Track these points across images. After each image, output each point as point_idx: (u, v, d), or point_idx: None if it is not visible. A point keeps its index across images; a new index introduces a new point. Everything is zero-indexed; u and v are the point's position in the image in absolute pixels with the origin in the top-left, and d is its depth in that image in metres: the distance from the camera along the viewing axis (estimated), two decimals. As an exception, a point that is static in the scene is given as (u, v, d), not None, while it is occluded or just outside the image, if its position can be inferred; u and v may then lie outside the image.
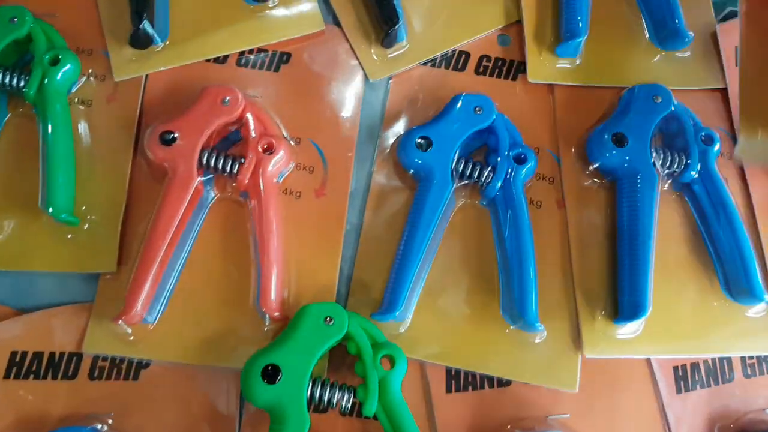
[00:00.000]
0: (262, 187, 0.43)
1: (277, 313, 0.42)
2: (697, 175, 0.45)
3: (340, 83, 0.48)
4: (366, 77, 0.48)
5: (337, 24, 0.49)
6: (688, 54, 0.50)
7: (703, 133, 0.45)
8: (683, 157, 0.45)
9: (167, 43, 0.47)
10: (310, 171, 0.46)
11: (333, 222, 0.45)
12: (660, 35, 0.49)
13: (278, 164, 0.44)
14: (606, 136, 0.45)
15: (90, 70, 0.47)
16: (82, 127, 0.46)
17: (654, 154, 0.44)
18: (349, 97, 0.48)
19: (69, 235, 0.44)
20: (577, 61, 0.48)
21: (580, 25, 0.46)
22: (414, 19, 0.49)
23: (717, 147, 0.45)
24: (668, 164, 0.45)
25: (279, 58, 0.48)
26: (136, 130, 0.46)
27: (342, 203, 0.46)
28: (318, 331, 0.40)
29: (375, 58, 0.48)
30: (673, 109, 0.45)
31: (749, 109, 0.47)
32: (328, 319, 0.40)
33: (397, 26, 0.46)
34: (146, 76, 0.47)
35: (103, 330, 0.42)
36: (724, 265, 0.45)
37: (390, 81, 0.48)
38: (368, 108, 0.48)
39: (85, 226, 0.44)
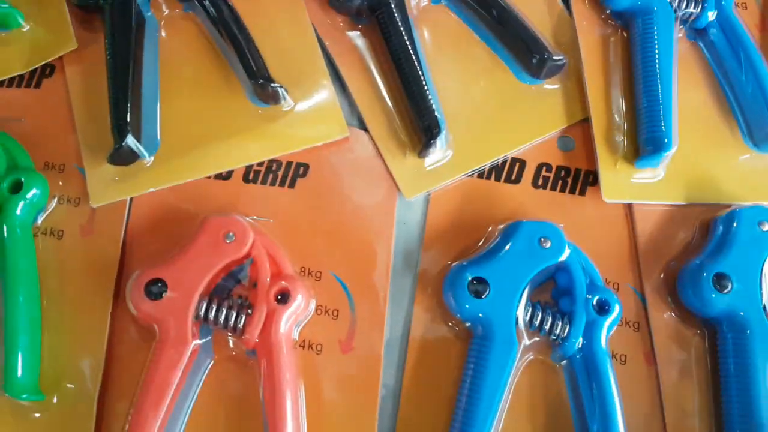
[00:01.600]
0: (274, 346, 0.34)
1: None
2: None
3: (369, 200, 0.39)
4: (400, 192, 0.40)
5: (364, 128, 0.41)
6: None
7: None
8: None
9: (157, 156, 0.38)
10: (333, 316, 0.37)
11: (364, 386, 0.36)
12: (757, 135, 0.41)
13: (295, 315, 0.35)
14: (705, 275, 0.36)
15: (61, 188, 0.38)
16: (50, 268, 0.36)
17: (765, 298, 0.36)
18: (379, 217, 0.39)
19: (36, 414, 0.34)
20: (661, 174, 0.40)
21: (666, 135, 0.38)
22: (456, 121, 0.40)
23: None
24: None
25: (295, 171, 0.39)
26: (118, 271, 0.37)
27: (375, 361, 0.36)
28: None
29: (411, 170, 0.39)
30: None
31: None
32: None
33: (438, 136, 0.38)
34: (131, 199, 0.38)
35: None
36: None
37: (429, 197, 0.40)
38: (403, 230, 0.39)
39: (54, 400, 0.35)
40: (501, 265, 0.36)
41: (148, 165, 0.38)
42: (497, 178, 0.40)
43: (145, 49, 0.40)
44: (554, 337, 0.35)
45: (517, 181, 0.40)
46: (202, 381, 0.35)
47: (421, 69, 0.39)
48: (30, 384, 0.33)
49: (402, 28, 0.39)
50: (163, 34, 0.41)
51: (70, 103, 0.40)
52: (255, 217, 0.38)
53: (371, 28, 0.41)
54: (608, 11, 0.43)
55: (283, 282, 0.35)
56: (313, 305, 0.37)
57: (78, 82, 0.40)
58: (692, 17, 0.42)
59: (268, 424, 0.34)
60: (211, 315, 0.34)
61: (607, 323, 0.35)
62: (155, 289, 0.34)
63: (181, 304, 0.34)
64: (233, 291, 0.37)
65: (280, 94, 0.38)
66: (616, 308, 0.35)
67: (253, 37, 0.39)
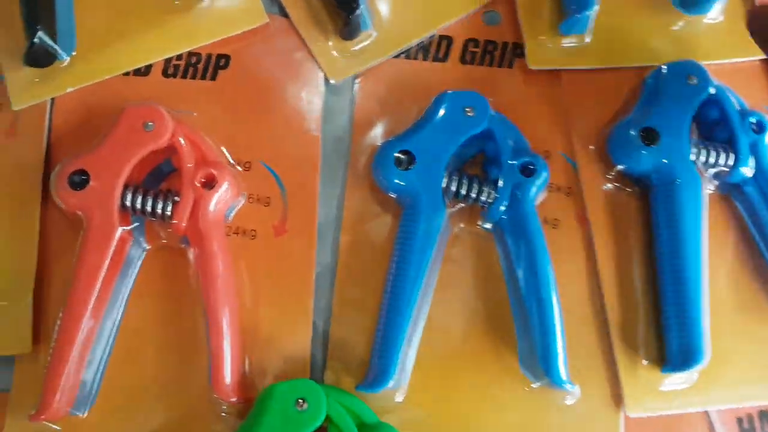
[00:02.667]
0: (204, 231, 0.35)
1: (234, 398, 0.33)
2: (750, 173, 0.36)
3: (295, 88, 0.38)
4: (326, 78, 0.39)
5: (285, 14, 0.40)
6: (719, 19, 0.41)
7: (752, 119, 0.36)
8: (729, 151, 0.36)
9: (74, 56, 0.37)
10: (265, 203, 0.37)
11: (299, 266, 0.36)
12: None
13: (223, 200, 0.35)
14: (632, 132, 0.36)
15: (-17, 99, 0.38)
16: (-24, 173, 0.37)
17: (693, 151, 0.36)
18: (307, 104, 0.38)
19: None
20: (587, 39, 0.39)
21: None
22: (380, 2, 0.40)
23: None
24: (713, 161, 0.36)
25: (215, 63, 0.39)
26: (44, 170, 0.36)
27: (309, 241, 0.36)
28: (288, 420, 0.31)
29: (335, 53, 0.39)
30: (712, 91, 0.36)
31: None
32: (300, 402, 0.31)
33: (357, 11, 0.37)
34: (52, 100, 0.37)
35: (24, 428, 0.34)
36: None
37: (356, 81, 0.39)
38: (332, 117, 0.39)
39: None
40: (426, 137, 0.35)
41: (65, 65, 0.37)
42: (425, 58, 0.39)
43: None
44: (482, 204, 0.35)
45: (445, 58, 0.39)
46: (136, 271, 0.36)
47: None
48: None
49: None
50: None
51: (-16, 12, 0.39)
52: (177, 111, 0.37)
53: None
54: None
55: (208, 168, 0.35)
56: (243, 194, 0.37)
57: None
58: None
59: (207, 313, 0.34)
60: (138, 203, 0.34)
61: (534, 186, 0.35)
62: (77, 179, 0.34)
63: (105, 192, 0.34)
64: (163, 184, 0.37)
65: (195, -19, 0.37)
66: (543, 171, 0.35)
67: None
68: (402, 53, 0.39)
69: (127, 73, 0.38)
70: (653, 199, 0.36)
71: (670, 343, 0.34)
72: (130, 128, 0.35)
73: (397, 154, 0.35)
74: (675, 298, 0.34)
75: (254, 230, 0.37)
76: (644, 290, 0.36)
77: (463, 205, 0.36)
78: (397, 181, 0.35)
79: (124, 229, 0.34)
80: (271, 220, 0.37)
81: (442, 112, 0.36)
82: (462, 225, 0.37)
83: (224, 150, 0.37)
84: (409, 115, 0.38)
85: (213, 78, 0.39)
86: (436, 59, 0.39)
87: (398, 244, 0.35)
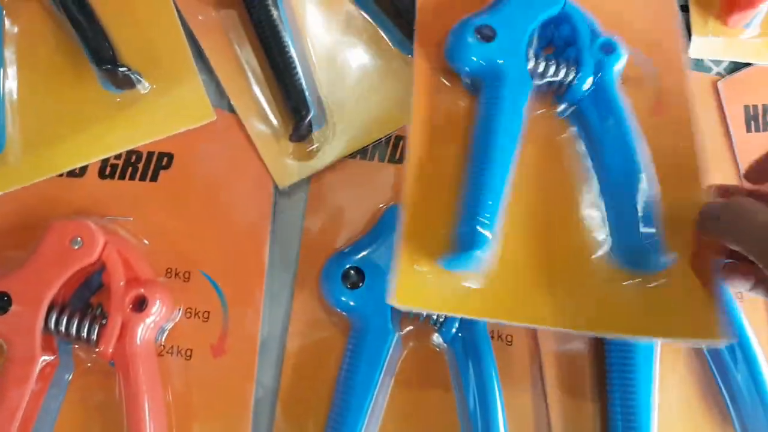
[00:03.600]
0: (130, 358, 0.32)
1: None
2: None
3: (242, 190, 0.36)
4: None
5: (233, 110, 0.37)
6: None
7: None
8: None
9: (2, 155, 0.35)
10: (204, 318, 0.35)
11: (237, 388, 0.34)
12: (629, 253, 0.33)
13: (153, 322, 0.33)
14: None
15: None
16: None
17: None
18: (254, 208, 0.36)
19: None
20: None
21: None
22: (334, 96, 0.37)
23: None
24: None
25: (157, 162, 0.36)
26: (-35, 284, 0.34)
27: (249, 362, 0.34)
28: None
29: (284, 157, 0.36)
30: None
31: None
32: None
33: (307, 119, 0.34)
34: (-25, 206, 0.35)
35: None
36: (743, 418, 0.34)
37: (309, 181, 0.37)
38: (281, 220, 0.36)
39: None
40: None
41: (-8, 166, 0.35)
42: (381, 159, 0.37)
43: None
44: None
45: (401, 160, 0.37)
46: (63, 394, 0.33)
47: (289, 46, 0.35)
48: None
49: (268, 2, 0.36)
50: (7, 22, 0.37)
51: None
52: (112, 217, 0.35)
53: (236, 2, 0.37)
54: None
55: (139, 288, 0.33)
56: (179, 310, 0.34)
57: None
58: (562, 88, 0.34)
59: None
60: (62, 327, 0.32)
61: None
62: (-2, 303, 0.32)
63: (27, 317, 0.31)
64: (92, 299, 0.35)
65: (133, 79, 0.35)
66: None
67: (98, 17, 0.35)
68: (357, 154, 0.37)
69: (60, 175, 0.36)
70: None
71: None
72: (56, 245, 0.32)
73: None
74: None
75: (190, 350, 0.34)
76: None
77: (410, 328, 0.34)
78: (344, 299, 0.33)
79: (47, 359, 0.32)
80: (209, 338, 0.34)
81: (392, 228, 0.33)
82: (412, 343, 0.35)
83: (162, 257, 0.35)
84: (364, 220, 0.36)
85: (154, 179, 0.36)
86: (392, 160, 0.37)
87: (345, 368, 0.33)
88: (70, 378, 0.33)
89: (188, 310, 0.35)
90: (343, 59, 0.38)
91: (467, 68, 0.33)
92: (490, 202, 0.30)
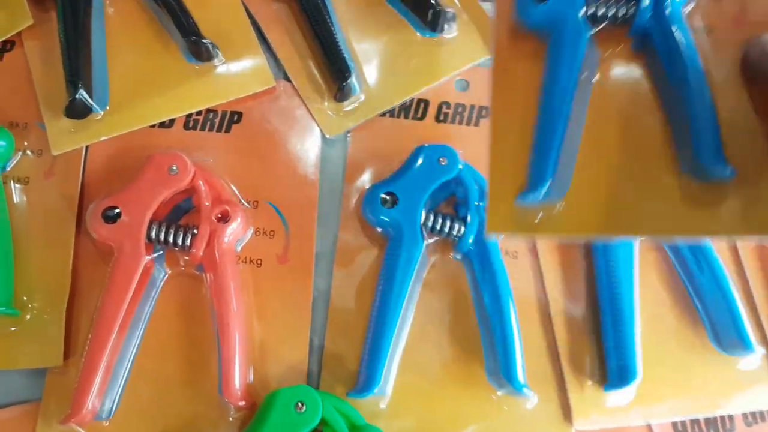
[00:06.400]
0: (218, 259, 0.40)
1: (242, 402, 0.38)
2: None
3: (296, 140, 0.46)
4: (322, 133, 0.46)
5: (288, 79, 0.47)
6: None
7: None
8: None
9: (108, 110, 0.44)
10: (270, 236, 0.43)
11: (299, 290, 0.42)
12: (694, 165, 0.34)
13: (235, 233, 0.41)
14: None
15: (26, 144, 0.44)
16: (19, 208, 0.42)
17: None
18: (306, 154, 0.45)
19: (12, 328, 0.40)
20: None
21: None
22: (368, 70, 0.47)
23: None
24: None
25: (230, 119, 0.46)
26: (78, 206, 0.42)
27: (307, 268, 0.43)
28: (289, 421, 0.36)
29: (329, 113, 0.46)
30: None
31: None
32: (299, 405, 0.37)
33: (349, 80, 0.44)
34: (87, 147, 0.44)
35: (52, 432, 0.38)
36: (710, 315, 0.43)
37: (348, 135, 0.46)
38: (328, 164, 0.46)
39: (27, 317, 0.40)
40: (407, 181, 0.42)
41: (99, 118, 0.44)
42: (405, 116, 0.47)
43: (93, 19, 0.45)
44: (453, 237, 0.42)
45: (422, 117, 0.47)
46: (157, 294, 0.41)
47: (334, 26, 0.46)
48: (7, 298, 0.39)
49: None
50: (110, 10, 0.47)
51: (30, 72, 0.45)
52: (196, 159, 0.44)
53: None
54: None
55: (223, 205, 0.41)
56: (251, 229, 0.43)
57: (35, 51, 0.45)
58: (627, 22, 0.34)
59: (219, 329, 0.39)
60: (162, 235, 0.40)
61: None
62: (110, 214, 0.40)
63: (134, 226, 0.40)
64: (182, 219, 0.43)
65: (212, 50, 0.44)
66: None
67: (185, 5, 0.45)
68: (386, 113, 0.47)
69: (153, 126, 0.45)
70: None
71: (610, 365, 0.40)
72: (156, 172, 0.41)
73: (382, 195, 0.42)
74: (612, 324, 0.41)
75: (260, 259, 0.43)
76: (588, 318, 0.43)
77: (437, 238, 0.43)
78: (382, 217, 0.42)
79: (148, 258, 0.40)
80: (275, 250, 0.43)
81: (420, 161, 0.43)
82: (437, 255, 0.43)
83: (236, 190, 0.44)
84: (392, 163, 0.45)
85: (227, 131, 0.45)
86: (415, 118, 0.47)
87: (383, 272, 0.42)
88: (164, 278, 0.41)
89: (257, 230, 0.43)
90: (373, 38, 0.48)
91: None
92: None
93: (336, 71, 0.45)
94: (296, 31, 0.48)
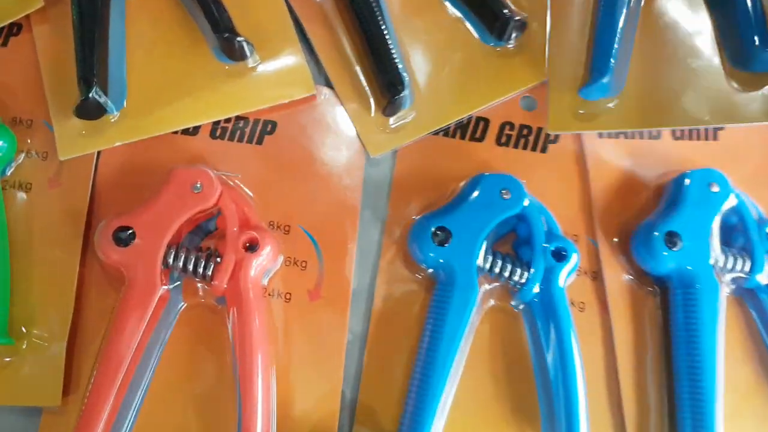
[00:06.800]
0: (243, 293, 0.35)
1: (264, 463, 0.34)
2: (765, 281, 0.37)
3: (336, 157, 0.40)
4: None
5: (331, 86, 0.41)
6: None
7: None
8: (746, 258, 0.37)
9: (124, 111, 0.38)
10: (302, 267, 0.38)
11: (332, 332, 0.37)
12: (740, 56, 0.39)
13: (263, 264, 0.36)
14: (656, 234, 0.37)
15: (29, 144, 0.38)
16: (19, 219, 0.37)
17: (713, 256, 0.37)
18: (347, 174, 0.40)
19: (6, 359, 0.35)
20: (609, 104, 0.39)
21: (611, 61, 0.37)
22: (421, 80, 0.41)
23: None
24: (730, 267, 0.37)
25: (262, 128, 0.40)
26: (86, 222, 0.37)
27: (342, 308, 0.37)
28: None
29: (375, 128, 0.40)
30: (733, 201, 0.38)
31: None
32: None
33: (402, 94, 0.38)
34: (98, 153, 0.38)
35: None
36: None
37: (396, 153, 0.41)
38: (371, 187, 0.40)
39: (24, 346, 0.35)
40: (463, 215, 0.37)
41: (114, 120, 0.38)
42: (462, 137, 0.41)
43: (111, 4, 0.40)
44: (513, 284, 0.37)
45: (481, 139, 0.41)
46: (171, 328, 0.36)
47: (387, 28, 0.40)
48: (1, 326, 0.34)
49: None
50: (130, -9, 0.42)
51: (37, 61, 0.40)
52: (222, 172, 0.38)
53: None
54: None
55: (251, 231, 0.36)
56: (281, 257, 0.38)
57: (45, 38, 0.40)
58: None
59: (238, 368, 0.34)
60: (180, 262, 0.35)
61: (565, 270, 0.36)
62: (123, 236, 0.35)
63: (150, 250, 0.35)
64: (203, 243, 0.38)
65: (246, 49, 0.39)
66: (574, 256, 0.37)
67: (219, -5, 0.40)
68: (440, 131, 0.41)
69: (175, 132, 0.39)
70: (672, 301, 0.37)
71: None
72: (178, 189, 0.36)
73: (434, 230, 0.36)
74: (690, 398, 0.35)
75: (289, 293, 0.37)
76: (659, 384, 0.37)
77: (496, 284, 0.38)
78: (432, 255, 0.36)
79: (164, 288, 0.35)
80: (307, 284, 0.38)
81: (479, 192, 0.37)
82: (492, 302, 0.38)
83: (267, 210, 0.38)
84: (444, 190, 0.40)
85: (259, 142, 0.40)
86: (473, 138, 0.41)
87: (431, 319, 0.36)
88: (180, 310, 0.36)
89: (288, 258, 0.38)
90: (429, 43, 0.42)
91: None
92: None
93: (387, 82, 0.39)
94: (342, 31, 0.42)
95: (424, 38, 0.42)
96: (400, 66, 0.39)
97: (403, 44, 0.42)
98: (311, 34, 0.42)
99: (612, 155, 0.41)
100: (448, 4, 0.43)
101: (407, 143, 0.40)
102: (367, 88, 0.41)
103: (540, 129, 0.41)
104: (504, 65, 0.42)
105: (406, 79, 0.39)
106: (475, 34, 0.42)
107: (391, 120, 0.40)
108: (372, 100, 0.41)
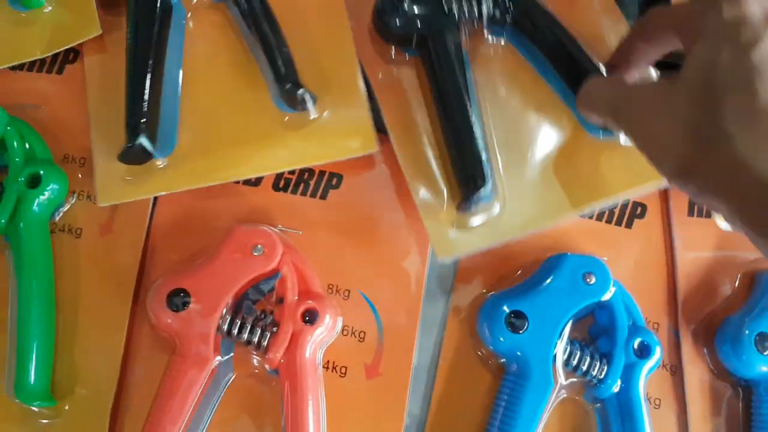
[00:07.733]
0: (298, 368, 0.33)
1: None
2: None
3: (404, 218, 0.37)
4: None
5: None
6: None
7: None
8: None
9: (173, 156, 0.35)
10: (360, 338, 0.35)
11: (388, 414, 0.34)
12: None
13: (322, 337, 0.34)
14: (746, 332, 0.33)
15: (80, 180, 0.36)
16: (67, 268, 0.35)
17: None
18: (414, 237, 0.37)
19: (43, 421, 0.33)
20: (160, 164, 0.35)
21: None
22: (505, 170, 0.35)
23: None
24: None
25: (327, 182, 0.37)
26: (138, 274, 0.35)
27: (401, 387, 0.34)
28: None
29: (446, 225, 0.35)
30: None
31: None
32: None
33: (481, 190, 0.33)
34: (155, 199, 0.36)
35: None
36: None
37: (467, 220, 0.38)
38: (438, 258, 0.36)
39: (66, 407, 0.33)
40: (541, 300, 0.34)
41: (162, 166, 0.35)
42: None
43: (169, 40, 0.37)
44: (590, 378, 0.34)
45: (561, 209, 0.38)
46: (220, 396, 0.34)
47: (471, 105, 0.35)
48: (42, 390, 0.32)
49: (454, 61, 0.35)
50: (191, 24, 0.38)
51: (92, 92, 0.38)
52: (284, 228, 0.36)
53: (417, 59, 0.37)
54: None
55: (310, 301, 0.33)
56: (340, 325, 0.35)
57: (96, 70, 0.37)
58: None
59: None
60: (235, 331, 0.33)
61: (646, 367, 0.34)
62: (178, 300, 0.32)
63: (205, 317, 0.32)
64: (257, 304, 0.35)
65: (308, 101, 0.35)
66: (657, 352, 0.34)
67: (285, 37, 0.36)
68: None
69: (237, 182, 0.37)
70: (755, 406, 0.34)
71: None
72: (237, 250, 0.33)
73: (509, 315, 0.33)
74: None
75: (345, 367, 0.35)
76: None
77: (573, 379, 0.35)
78: (505, 341, 0.33)
79: (218, 360, 0.33)
80: (364, 358, 0.35)
81: (560, 274, 0.34)
82: (564, 393, 0.35)
83: (326, 272, 0.35)
84: (515, 262, 0.37)
85: (323, 197, 0.37)
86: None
87: (501, 409, 0.33)
88: (230, 381, 0.34)
89: (345, 327, 0.35)
90: (524, 133, 0.37)
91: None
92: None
93: (465, 176, 0.34)
94: (421, 107, 0.36)
95: (514, 120, 0.37)
96: (484, 156, 0.34)
97: (490, 125, 0.36)
98: (384, 107, 0.37)
99: (701, 236, 0.38)
100: (547, 85, 0.37)
101: (481, 249, 0.35)
102: (440, 177, 0.36)
103: (625, 204, 0.38)
104: (613, 161, 0.36)
105: (489, 172, 0.34)
106: (579, 122, 0.36)
107: (468, 217, 0.35)
108: (446, 192, 0.36)
